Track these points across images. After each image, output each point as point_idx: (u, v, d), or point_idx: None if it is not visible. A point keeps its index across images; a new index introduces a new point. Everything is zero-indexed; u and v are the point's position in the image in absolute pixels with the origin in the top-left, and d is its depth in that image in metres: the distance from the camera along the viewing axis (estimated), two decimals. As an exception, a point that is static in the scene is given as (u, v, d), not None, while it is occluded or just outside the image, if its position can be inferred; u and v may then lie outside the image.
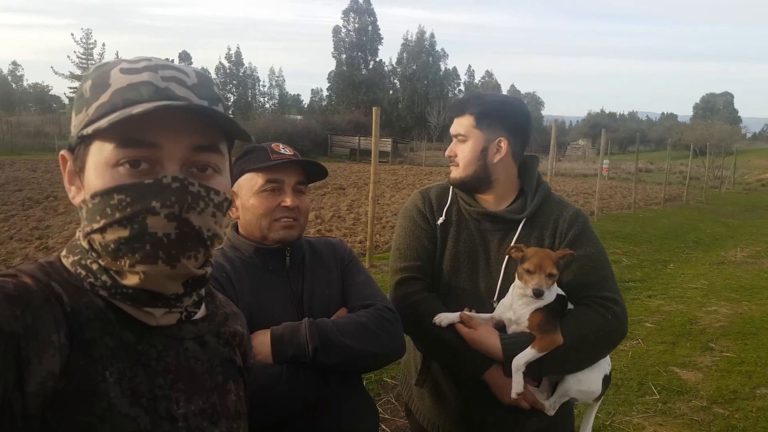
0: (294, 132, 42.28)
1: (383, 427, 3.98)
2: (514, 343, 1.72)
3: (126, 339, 0.86)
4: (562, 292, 1.78)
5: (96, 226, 0.83)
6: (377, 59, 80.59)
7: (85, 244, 0.88)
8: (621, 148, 77.95)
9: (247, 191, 1.62)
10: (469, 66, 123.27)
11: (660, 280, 8.67)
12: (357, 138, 44.33)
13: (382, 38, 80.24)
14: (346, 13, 79.05)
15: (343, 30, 79.13)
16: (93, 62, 66.35)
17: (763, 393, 4.64)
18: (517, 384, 1.68)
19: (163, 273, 0.84)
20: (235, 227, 1.71)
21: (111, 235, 0.82)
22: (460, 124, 1.92)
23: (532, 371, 1.72)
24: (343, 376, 1.58)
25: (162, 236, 0.82)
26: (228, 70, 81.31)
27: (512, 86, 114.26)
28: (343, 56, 78.33)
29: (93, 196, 0.84)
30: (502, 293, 1.84)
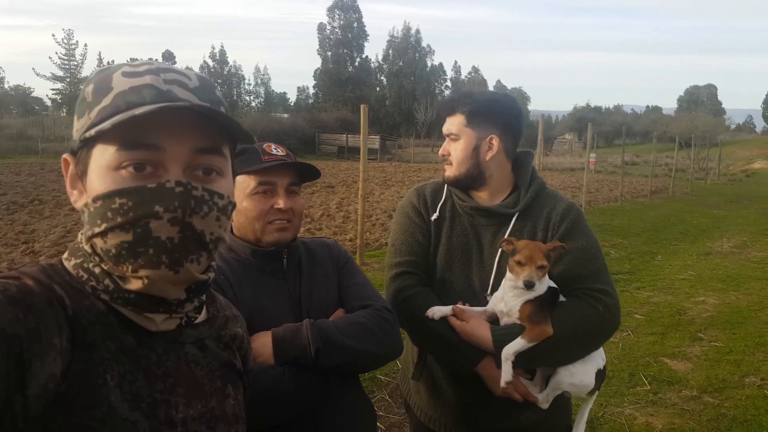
0: (281, 130, 42.15)
1: (377, 424, 3.99)
2: (505, 334, 1.73)
3: (127, 343, 0.86)
4: (554, 285, 1.79)
5: (97, 230, 0.83)
6: (363, 56, 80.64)
7: (87, 247, 0.87)
8: (607, 141, 78.59)
9: (240, 194, 1.61)
10: (455, 62, 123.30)
11: (648, 272, 8.76)
12: (345, 135, 44.26)
13: (368, 35, 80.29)
14: (331, 10, 78.95)
15: (329, 27, 79.08)
16: (75, 63, 65.74)
17: (751, 381, 4.71)
18: (506, 373, 1.70)
19: (166, 277, 0.84)
20: (231, 229, 1.70)
21: (113, 240, 0.82)
22: (452, 123, 1.93)
23: (523, 362, 1.73)
24: (342, 377, 1.59)
25: (165, 240, 0.82)
26: (212, 69, 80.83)
27: (498, 81, 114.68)
28: (329, 53, 78.22)
29: (95, 200, 0.83)
30: (496, 287, 1.86)
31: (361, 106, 7.68)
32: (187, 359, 0.94)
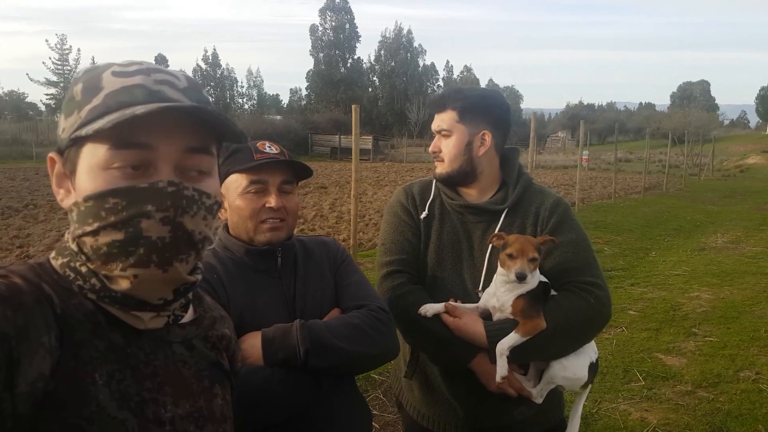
0: (274, 132, 42.17)
1: (372, 423, 3.97)
2: (499, 330, 1.74)
3: (115, 341, 0.86)
4: (544, 279, 1.80)
5: (88, 228, 0.83)
6: (355, 57, 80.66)
7: (74, 246, 0.88)
8: (600, 138, 78.86)
9: (233, 192, 1.60)
10: (447, 61, 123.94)
11: (642, 268, 8.78)
12: (337, 136, 44.34)
13: (360, 36, 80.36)
14: (322, 11, 78.97)
15: (320, 29, 79.09)
16: (69, 68, 65.49)
17: (746, 375, 4.73)
18: (502, 368, 1.70)
19: (155, 277, 0.84)
20: (226, 227, 1.68)
21: (104, 238, 0.82)
22: (443, 120, 1.94)
23: (517, 357, 1.73)
24: (335, 378, 1.56)
25: (156, 240, 0.82)
26: (205, 72, 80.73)
27: (491, 80, 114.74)
28: (321, 55, 78.25)
29: (86, 199, 0.83)
30: (487, 283, 1.86)
31: (353, 106, 7.65)
32: (174, 359, 0.94)
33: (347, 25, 79.13)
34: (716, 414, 4.07)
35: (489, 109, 1.93)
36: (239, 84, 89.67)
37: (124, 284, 0.84)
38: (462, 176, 1.94)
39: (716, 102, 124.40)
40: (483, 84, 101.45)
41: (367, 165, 34.10)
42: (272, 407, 1.42)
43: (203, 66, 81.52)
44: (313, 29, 79.18)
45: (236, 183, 1.59)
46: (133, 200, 0.81)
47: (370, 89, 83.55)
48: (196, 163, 0.89)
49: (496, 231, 1.89)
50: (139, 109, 0.79)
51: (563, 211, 1.92)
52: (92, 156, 0.83)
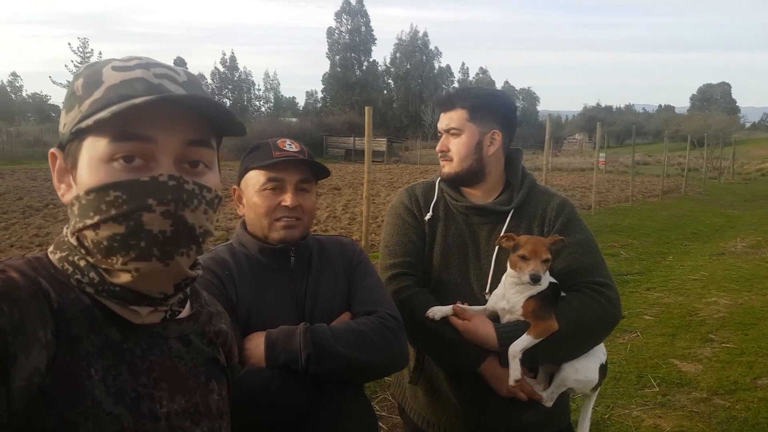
0: (289, 134, 41.57)
1: (380, 424, 3.95)
2: (510, 332, 1.72)
3: (111, 337, 0.86)
4: (554, 280, 1.79)
5: (89, 222, 0.83)
6: (371, 59, 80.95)
7: (73, 240, 0.88)
8: (618, 141, 78.09)
9: (251, 189, 1.60)
10: (463, 63, 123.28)
11: (659, 273, 8.65)
12: (352, 138, 44.42)
13: (375, 39, 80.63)
14: (338, 14, 79.42)
15: (337, 31, 79.34)
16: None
17: (764, 383, 4.63)
18: (515, 371, 1.68)
19: (156, 270, 0.84)
20: (244, 224, 1.68)
21: (105, 232, 0.82)
22: (452, 118, 1.93)
23: (529, 359, 1.71)
24: (339, 383, 1.54)
25: (157, 233, 0.83)
26: (223, 75, 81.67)
27: (506, 82, 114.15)
28: (337, 57, 78.54)
29: (87, 192, 0.83)
30: (494, 285, 1.85)
31: (366, 108, 7.65)
32: (170, 354, 0.94)
33: (363, 28, 79.46)
34: (732, 422, 3.99)
35: (499, 108, 1.92)
36: (256, 87, 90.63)
37: (125, 278, 0.84)
38: (470, 176, 1.93)
39: (737, 104, 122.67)
40: (499, 85, 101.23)
41: (381, 167, 34.11)
42: (271, 409, 1.41)
43: (221, 69, 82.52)
44: (330, 32, 79.66)
45: (254, 180, 1.59)
46: (134, 193, 0.81)
47: (385, 91, 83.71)
48: (197, 156, 0.89)
49: (503, 232, 1.87)
50: (138, 99, 0.80)
51: (570, 212, 1.91)
52: (93, 149, 0.83)
